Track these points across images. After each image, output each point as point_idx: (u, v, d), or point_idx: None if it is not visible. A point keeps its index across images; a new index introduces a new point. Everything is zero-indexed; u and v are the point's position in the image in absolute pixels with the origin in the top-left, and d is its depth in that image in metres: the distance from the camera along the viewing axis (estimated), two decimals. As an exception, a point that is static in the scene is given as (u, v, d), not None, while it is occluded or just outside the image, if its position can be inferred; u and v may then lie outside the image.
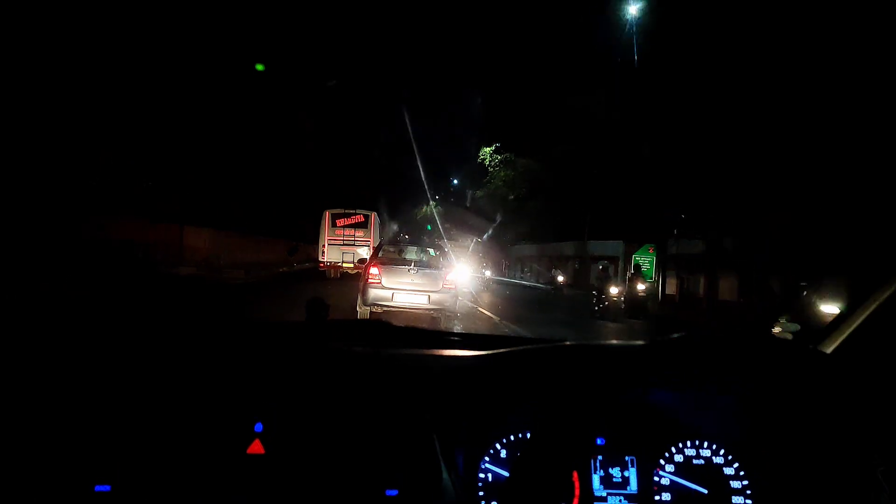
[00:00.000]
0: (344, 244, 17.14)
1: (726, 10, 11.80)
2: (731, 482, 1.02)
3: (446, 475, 0.89)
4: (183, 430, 0.88)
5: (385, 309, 7.85)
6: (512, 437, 1.01)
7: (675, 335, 0.85)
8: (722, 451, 1.04)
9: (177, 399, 0.90)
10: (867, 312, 0.97)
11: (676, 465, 1.03)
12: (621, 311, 13.06)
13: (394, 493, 0.89)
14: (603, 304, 12.93)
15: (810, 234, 11.27)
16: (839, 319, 1.02)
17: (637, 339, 0.98)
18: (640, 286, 13.57)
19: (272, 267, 21.42)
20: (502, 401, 1.02)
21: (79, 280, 9.02)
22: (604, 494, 1.01)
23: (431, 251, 9.57)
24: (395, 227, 24.20)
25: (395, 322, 1.33)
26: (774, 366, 0.80)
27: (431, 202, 50.17)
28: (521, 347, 1.05)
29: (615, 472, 1.02)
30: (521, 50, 26.99)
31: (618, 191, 20.41)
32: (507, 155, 30.04)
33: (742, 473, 1.02)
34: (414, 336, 1.28)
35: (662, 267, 18.47)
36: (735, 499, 1.01)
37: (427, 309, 8.01)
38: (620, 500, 1.01)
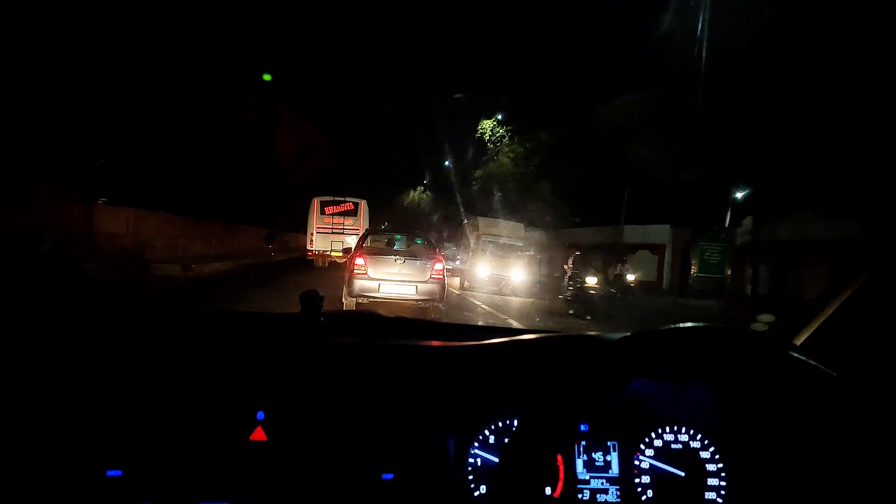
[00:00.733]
0: (333, 232, 16.78)
1: None
2: (706, 465, 1.08)
3: (439, 460, 0.96)
4: (189, 418, 0.92)
5: (371, 300, 7.56)
6: (500, 424, 1.05)
7: (657, 328, 0.88)
8: (699, 437, 1.09)
9: (183, 389, 0.94)
10: (838, 303, 1.00)
11: (656, 449, 1.09)
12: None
13: (390, 476, 0.94)
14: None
15: None
16: (811, 311, 1.05)
17: None
18: (592, 279, 11.01)
19: (237, 258, 17.35)
20: (491, 389, 1.05)
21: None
22: (587, 478, 1.06)
23: (418, 240, 9.29)
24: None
25: (384, 313, 1.36)
26: (745, 356, 0.83)
27: (420, 187, 45.38)
28: (510, 338, 1.09)
29: (598, 456, 1.07)
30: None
31: (672, 160, 15.87)
32: (514, 126, 25.34)
33: (717, 457, 1.08)
34: (405, 327, 1.32)
35: (744, 255, 14.65)
36: (710, 481, 1.07)
37: (415, 300, 7.77)
38: (603, 483, 1.06)
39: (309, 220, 17.18)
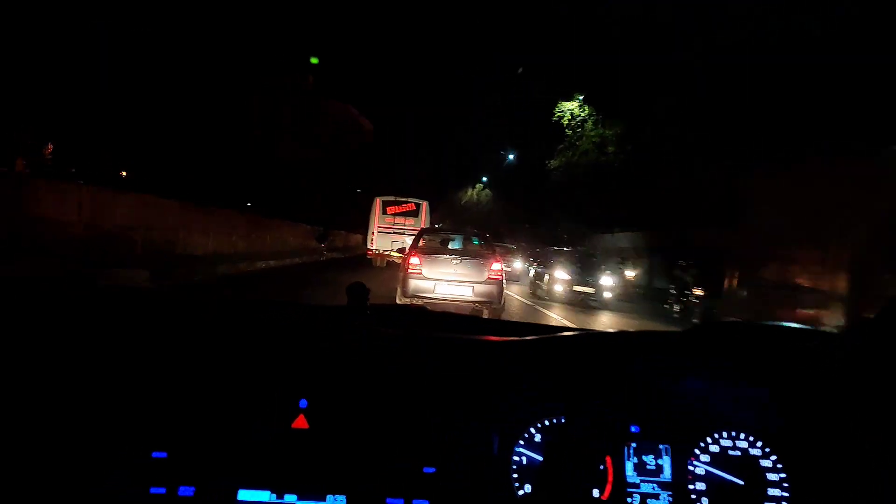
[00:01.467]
0: (394, 232, 16.94)
1: None
2: (767, 474, 1.02)
3: (482, 457, 0.95)
4: (233, 405, 0.94)
5: (426, 301, 7.39)
6: (546, 423, 1.03)
7: (710, 323, 0.87)
8: (759, 444, 1.03)
9: (228, 375, 0.96)
10: None
11: (712, 455, 1.04)
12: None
13: (431, 470, 0.93)
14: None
15: None
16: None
17: None
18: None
19: (270, 257, 15.05)
20: (538, 386, 1.03)
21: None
22: (637, 481, 1.02)
23: (476, 239, 9.16)
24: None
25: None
26: (803, 357, 0.79)
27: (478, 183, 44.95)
28: (559, 334, 1.07)
29: (649, 459, 1.03)
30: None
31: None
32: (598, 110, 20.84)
33: (780, 466, 1.02)
34: (452, 321, 1.35)
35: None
36: (772, 491, 1.01)
37: (471, 301, 7.57)
38: (654, 488, 1.02)
39: (370, 219, 17.46)
